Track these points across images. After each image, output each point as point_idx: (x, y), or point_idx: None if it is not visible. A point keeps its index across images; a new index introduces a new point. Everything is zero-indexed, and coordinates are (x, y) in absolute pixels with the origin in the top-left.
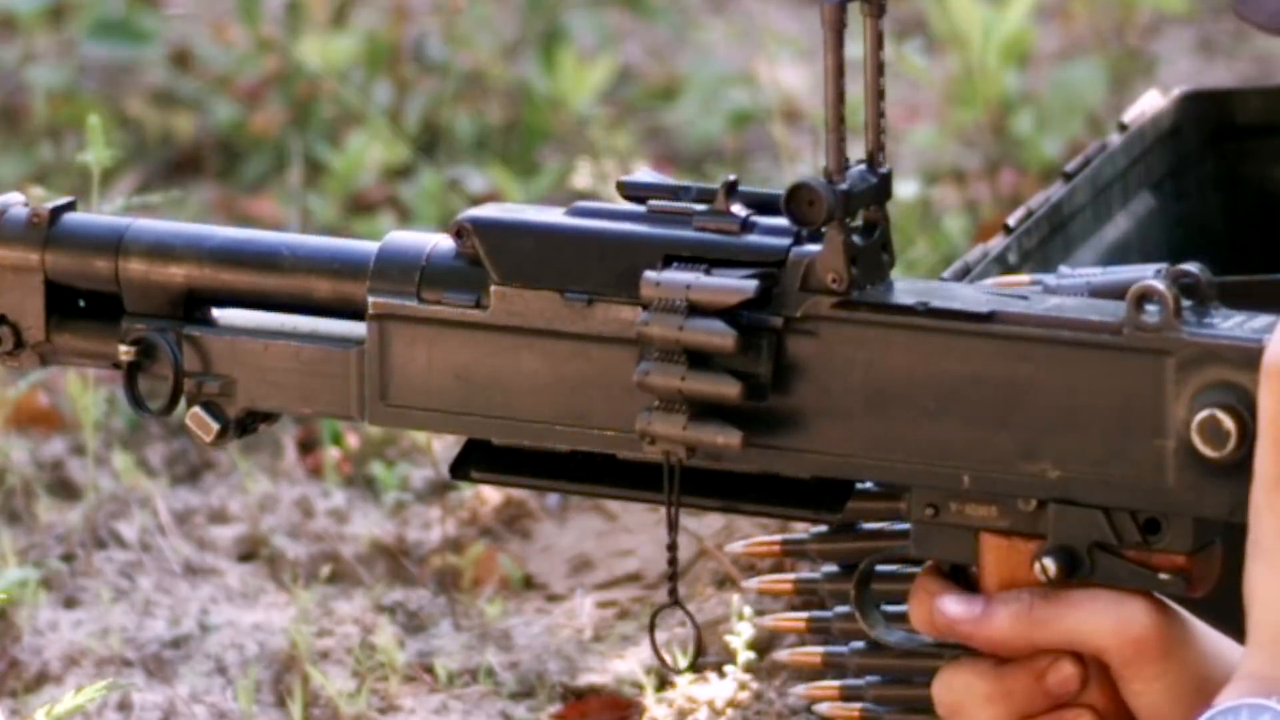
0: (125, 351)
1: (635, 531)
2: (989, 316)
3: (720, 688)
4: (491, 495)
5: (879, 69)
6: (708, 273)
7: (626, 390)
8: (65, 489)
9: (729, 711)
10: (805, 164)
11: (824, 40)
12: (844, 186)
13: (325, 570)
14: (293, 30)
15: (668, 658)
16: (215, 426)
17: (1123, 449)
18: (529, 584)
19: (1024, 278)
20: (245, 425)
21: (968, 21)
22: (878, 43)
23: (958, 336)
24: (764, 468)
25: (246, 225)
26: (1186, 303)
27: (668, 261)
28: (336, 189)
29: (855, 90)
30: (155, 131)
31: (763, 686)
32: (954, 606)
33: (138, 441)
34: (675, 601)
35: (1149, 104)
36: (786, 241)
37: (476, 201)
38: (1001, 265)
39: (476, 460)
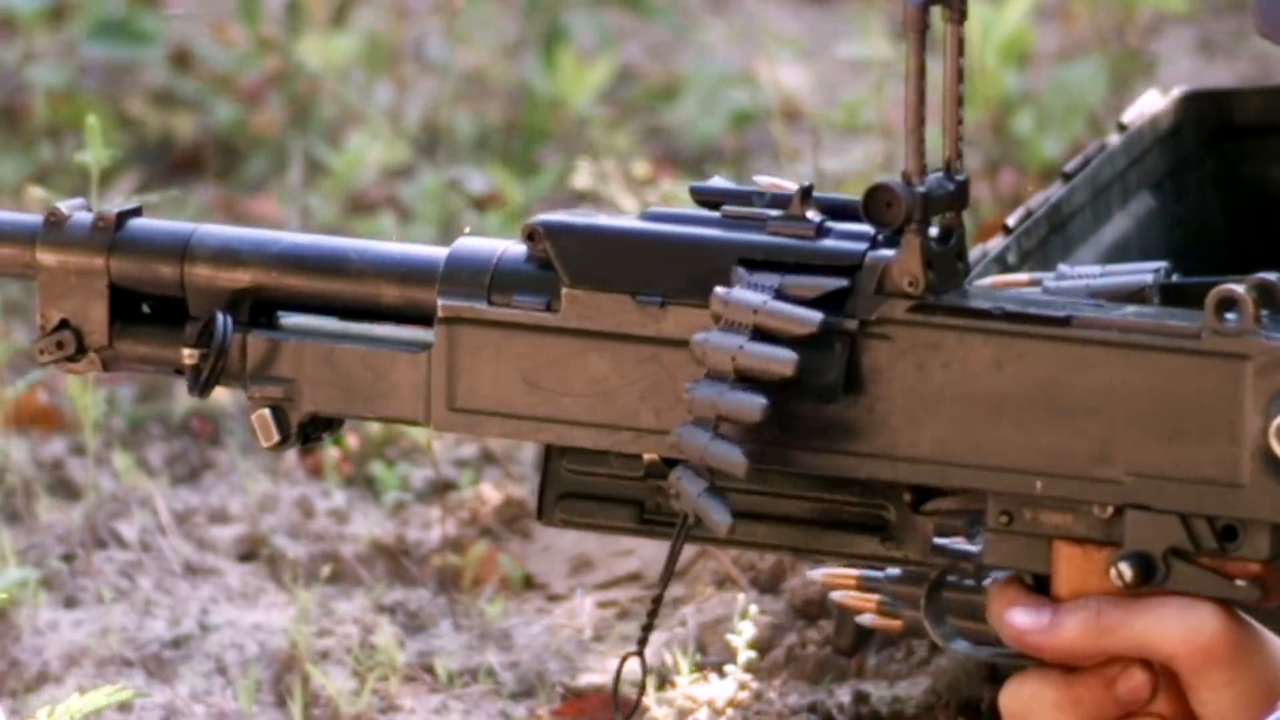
0: (189, 355)
1: None
2: (1066, 321)
3: (720, 688)
4: (491, 495)
5: (959, 75)
6: (778, 294)
7: None
8: (65, 489)
9: (729, 711)
10: (805, 164)
11: (907, 42)
12: (922, 189)
13: (325, 570)
14: (293, 30)
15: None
16: (276, 435)
17: (1199, 454)
18: (529, 584)
19: (1023, 277)
20: (308, 433)
21: (968, 21)
22: (958, 49)
23: (1034, 340)
24: (834, 473)
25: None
26: (1264, 309)
27: (742, 265)
28: (336, 189)
29: (860, 90)
30: (155, 131)
31: (763, 686)
32: (1022, 617)
33: (138, 441)
34: (639, 653)
35: (1149, 104)
36: (862, 246)
37: (477, 201)
38: (1001, 265)
39: (560, 502)
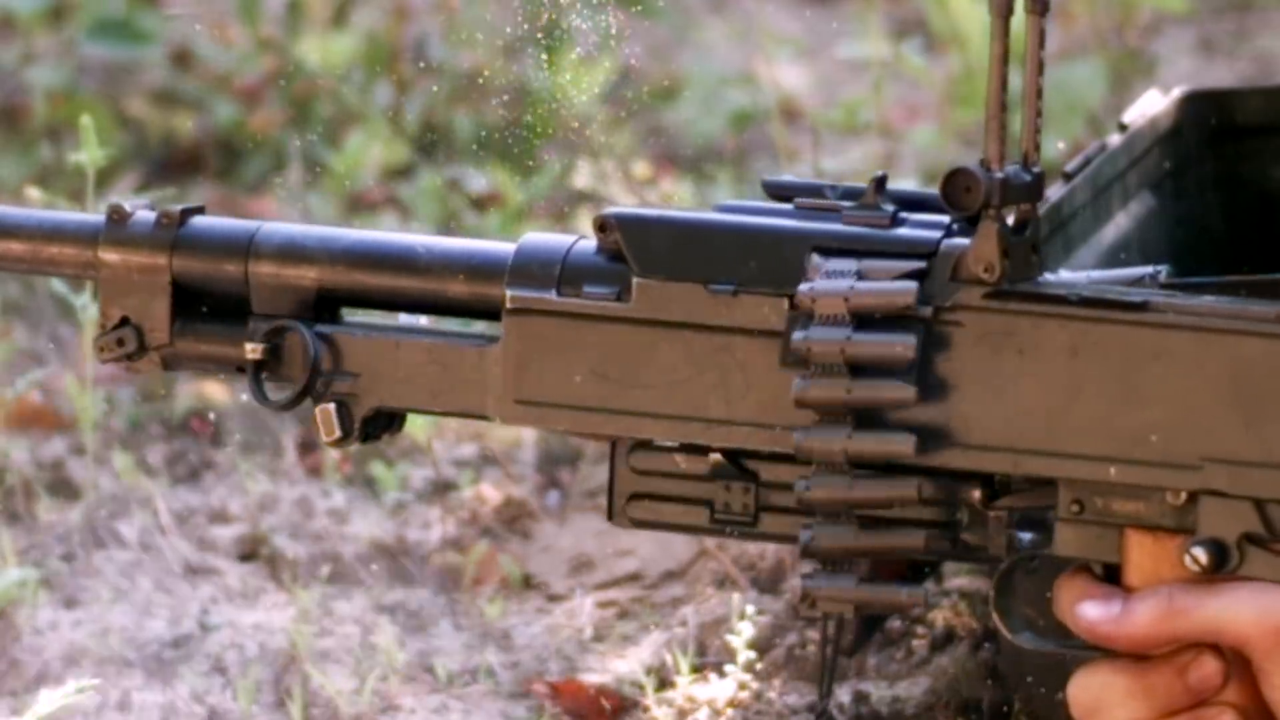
0: (252, 350)
1: (635, 531)
2: (1142, 306)
3: (720, 688)
4: (491, 495)
5: (1039, 68)
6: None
7: (769, 383)
8: (65, 489)
9: (729, 711)
10: (805, 164)
11: (991, 27)
12: (1001, 175)
13: (325, 570)
14: (293, 30)
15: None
16: (338, 431)
17: (1276, 439)
18: (529, 584)
19: None
20: (369, 430)
21: (968, 21)
22: (1039, 41)
23: (1110, 326)
24: (907, 461)
25: None
26: None
27: (817, 253)
28: (336, 189)
29: (859, 90)
30: (155, 131)
31: (763, 686)
32: (1093, 609)
33: (138, 441)
34: (824, 710)
35: (1149, 104)
36: (938, 234)
37: (477, 201)
38: None
39: (630, 503)
